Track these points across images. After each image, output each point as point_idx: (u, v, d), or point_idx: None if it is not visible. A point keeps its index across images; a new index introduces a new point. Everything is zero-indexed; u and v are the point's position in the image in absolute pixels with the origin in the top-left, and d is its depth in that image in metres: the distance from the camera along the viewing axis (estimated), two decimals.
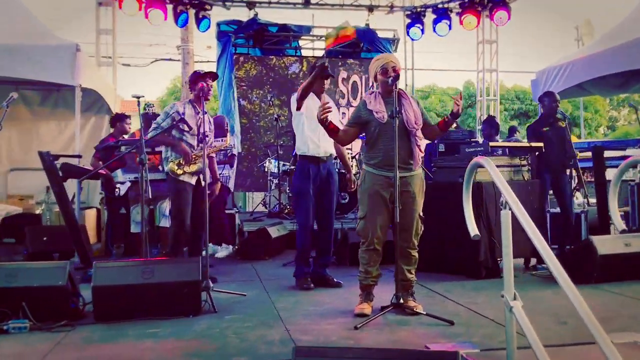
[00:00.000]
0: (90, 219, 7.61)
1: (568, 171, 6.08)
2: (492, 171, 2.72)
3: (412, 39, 10.54)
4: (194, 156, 4.74)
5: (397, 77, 3.77)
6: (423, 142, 4.07)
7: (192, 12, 9.57)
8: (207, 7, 9.72)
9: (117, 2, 8.71)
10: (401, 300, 3.80)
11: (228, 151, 6.80)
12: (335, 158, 5.13)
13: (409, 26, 10.29)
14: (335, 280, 4.92)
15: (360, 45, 10.58)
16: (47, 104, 9.02)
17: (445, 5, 10.01)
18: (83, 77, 6.65)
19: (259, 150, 9.80)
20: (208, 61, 12.03)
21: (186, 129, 4.79)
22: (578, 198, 8.46)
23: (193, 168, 4.80)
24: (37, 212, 8.54)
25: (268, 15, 10.49)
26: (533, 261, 5.60)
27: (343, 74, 10.52)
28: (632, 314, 3.85)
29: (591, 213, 6.87)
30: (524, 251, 5.54)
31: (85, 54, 6.81)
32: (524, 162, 5.53)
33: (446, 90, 31.58)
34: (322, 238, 4.99)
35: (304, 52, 10.96)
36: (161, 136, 4.77)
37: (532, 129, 6.08)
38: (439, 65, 43.96)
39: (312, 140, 4.82)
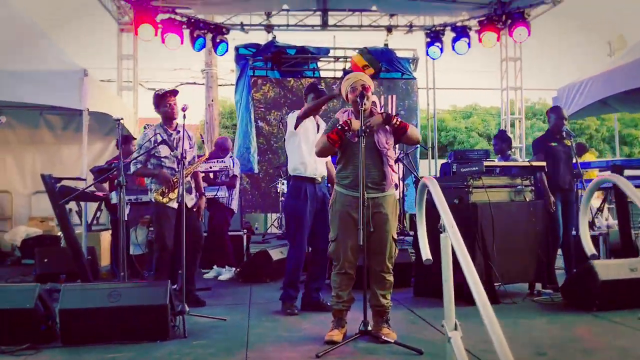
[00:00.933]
0: (105, 241, 7.70)
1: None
2: (434, 192, 2.57)
3: (432, 58, 10.42)
4: (174, 180, 4.69)
5: (362, 96, 3.65)
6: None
7: (209, 36, 9.67)
8: (225, 30, 9.83)
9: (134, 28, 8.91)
10: (369, 327, 3.62)
11: (230, 172, 6.76)
12: None
13: (428, 45, 10.16)
14: (329, 304, 4.73)
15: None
16: (70, 128, 9.30)
17: (465, 23, 9.83)
18: (91, 101, 6.76)
19: (276, 171, 9.77)
20: (231, 84, 12.16)
21: (163, 154, 4.77)
22: (608, 218, 8.05)
23: (177, 193, 4.72)
24: (59, 233, 8.76)
25: (286, 37, 10.51)
26: (538, 286, 5.32)
27: None
28: (623, 346, 3.56)
29: (614, 235, 6.53)
30: (528, 276, 5.29)
31: (93, 78, 6.93)
32: (527, 182, 5.27)
33: (489, 109, 30.92)
34: (316, 262, 4.83)
35: (323, 74, 10.92)
36: (141, 169, 4.78)
37: (540, 142, 5.67)
38: (482, 84, 43.11)
39: (310, 162, 4.71)
